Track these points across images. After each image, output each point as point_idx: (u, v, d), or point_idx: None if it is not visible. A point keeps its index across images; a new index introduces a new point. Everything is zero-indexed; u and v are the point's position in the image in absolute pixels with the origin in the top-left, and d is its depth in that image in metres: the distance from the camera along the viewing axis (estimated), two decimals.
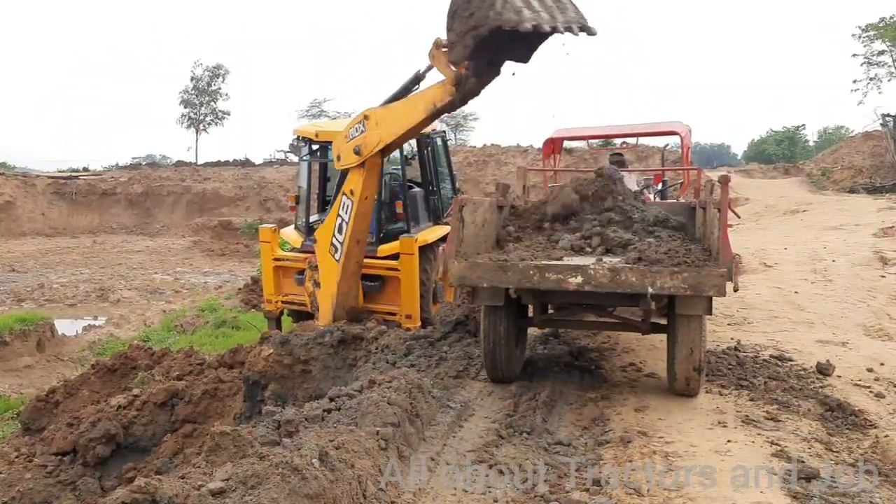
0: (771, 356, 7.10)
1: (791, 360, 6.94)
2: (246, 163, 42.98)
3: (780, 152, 56.31)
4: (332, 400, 5.00)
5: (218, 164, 42.93)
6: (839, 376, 6.51)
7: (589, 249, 6.21)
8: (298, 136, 10.10)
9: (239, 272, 23.44)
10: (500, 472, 4.49)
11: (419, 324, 9.14)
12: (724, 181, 5.59)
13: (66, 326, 13.07)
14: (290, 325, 9.42)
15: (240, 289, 15.58)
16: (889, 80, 39.79)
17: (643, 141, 10.62)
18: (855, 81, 40.92)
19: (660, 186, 10.15)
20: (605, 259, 5.71)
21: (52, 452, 7.65)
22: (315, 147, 10.10)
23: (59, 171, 37.91)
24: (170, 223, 33.59)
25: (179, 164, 44.33)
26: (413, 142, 10.01)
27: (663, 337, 7.28)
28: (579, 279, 5.28)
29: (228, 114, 55.76)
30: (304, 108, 55.88)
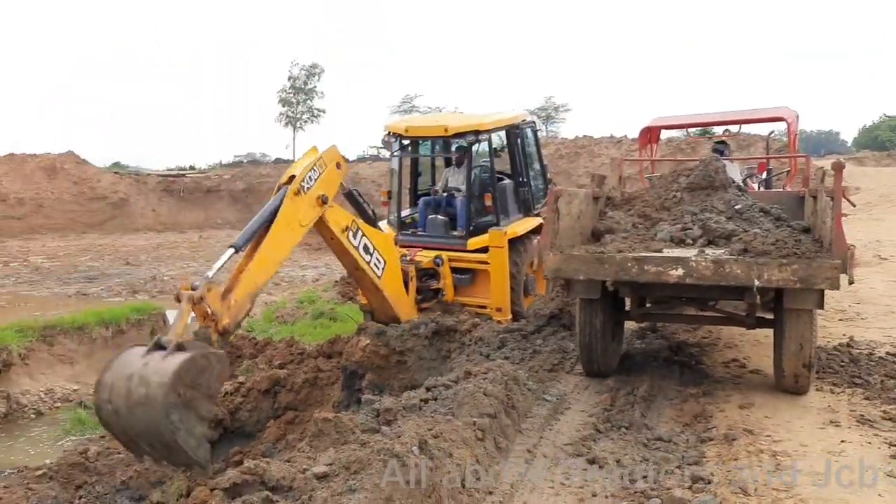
0: (888, 353, 6.68)
1: None
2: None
3: (895, 138, 52.83)
4: (428, 390, 5.06)
5: None
6: None
7: (690, 241, 6.01)
8: (389, 132, 10.25)
9: (335, 265, 23.99)
10: (599, 466, 4.43)
11: (510, 317, 9.12)
12: (838, 168, 5.29)
13: (174, 317, 13.75)
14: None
15: (336, 281, 15.97)
16: None
17: (746, 129, 10.18)
18: None
19: (764, 175, 9.72)
20: (708, 251, 5.51)
21: None
22: (405, 142, 10.21)
23: (168, 170, 40.02)
24: None
25: (278, 161, 45.93)
26: (502, 133, 9.99)
27: (769, 332, 7.00)
28: (680, 271, 5.12)
29: (324, 111, 57.36)
30: (396, 104, 56.84)
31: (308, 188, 6.65)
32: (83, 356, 10.91)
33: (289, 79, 55.42)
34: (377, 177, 37.20)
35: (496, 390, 4.74)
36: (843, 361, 6.37)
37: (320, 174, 6.88)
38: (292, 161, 45.65)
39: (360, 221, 7.77)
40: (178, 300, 5.34)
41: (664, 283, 5.27)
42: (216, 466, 7.86)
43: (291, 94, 55.56)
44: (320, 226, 7.24)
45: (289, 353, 9.03)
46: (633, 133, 37.80)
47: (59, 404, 9.87)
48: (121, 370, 4.97)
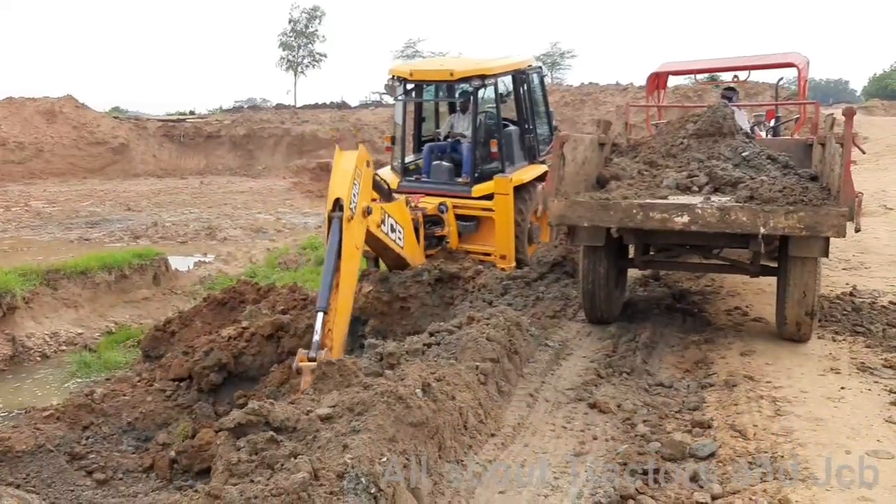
0: (890, 302, 6.69)
1: None
2: (342, 105, 43.59)
3: None
4: (431, 335, 5.09)
5: (315, 106, 43.74)
6: None
7: (696, 188, 5.96)
8: (393, 76, 10.05)
9: None
10: (600, 410, 4.47)
11: (514, 264, 9.10)
12: (849, 114, 5.20)
13: (179, 262, 13.79)
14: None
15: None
16: None
17: (754, 77, 9.89)
18: None
19: (772, 123, 9.58)
20: (714, 198, 5.46)
21: (170, 378, 8.13)
22: (410, 87, 10.01)
23: (168, 115, 39.61)
24: (271, 165, 34.57)
25: (279, 107, 45.43)
26: (508, 78, 9.81)
27: (772, 280, 6.99)
28: (685, 218, 5.09)
29: (325, 56, 56.48)
30: (399, 49, 55.92)
31: (354, 208, 6.37)
32: (87, 300, 10.96)
33: (289, 22, 54.49)
34: (379, 123, 36.88)
35: (499, 335, 4.75)
36: (845, 310, 6.38)
37: (360, 186, 6.56)
38: (293, 106, 45.19)
39: (385, 205, 7.61)
40: (299, 373, 5.34)
41: (669, 231, 5.24)
42: (222, 409, 8.00)
43: (292, 38, 54.66)
44: None
45: (292, 298, 9.03)
46: (640, 80, 37.16)
47: (63, 347, 9.95)
48: None
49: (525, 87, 9.86)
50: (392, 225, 7.73)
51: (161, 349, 8.84)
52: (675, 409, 4.53)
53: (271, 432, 3.40)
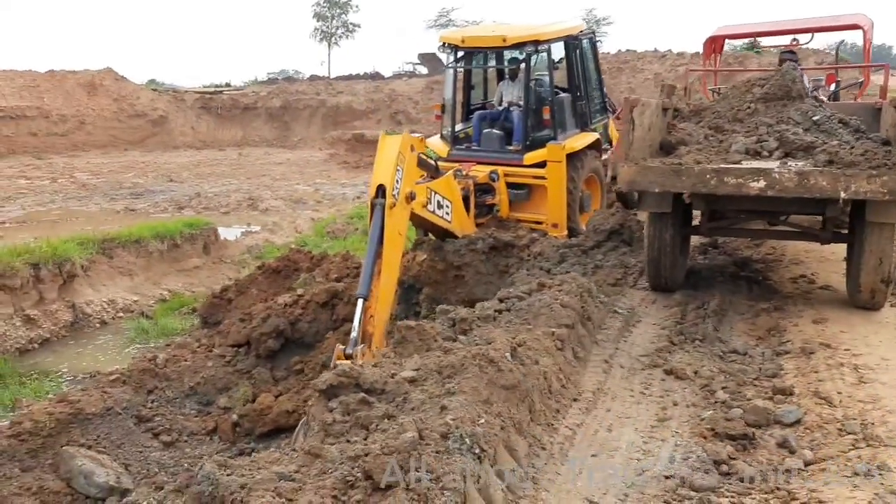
0: None
1: None
2: (376, 76, 43.37)
3: None
4: (501, 301, 5.08)
5: (349, 77, 43.57)
6: None
7: (766, 153, 5.82)
8: (444, 43, 9.92)
9: None
10: (677, 377, 4.45)
11: (566, 233, 9.02)
12: None
13: (225, 232, 13.96)
14: None
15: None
16: None
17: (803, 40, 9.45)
18: None
19: (832, 88, 9.31)
20: (790, 162, 5.34)
21: (229, 344, 8.28)
22: (460, 54, 9.88)
23: (204, 87, 39.84)
24: (306, 136, 34.67)
25: (313, 78, 45.36)
26: (560, 44, 9.64)
27: (836, 248, 6.86)
28: (762, 183, 4.98)
29: (359, 26, 56.19)
30: (432, 19, 55.35)
31: (397, 195, 6.27)
32: (141, 269, 11.15)
33: None
34: (413, 94, 36.70)
35: (572, 301, 4.73)
36: None
37: (403, 172, 6.44)
38: (327, 77, 45.08)
39: (430, 183, 7.50)
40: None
41: (743, 196, 5.14)
42: (279, 374, 8.12)
43: (326, 9, 54.39)
44: None
45: (344, 266, 9.10)
46: (679, 47, 36.32)
47: (121, 314, 10.16)
48: None
49: (577, 53, 9.69)
50: (439, 202, 7.67)
51: (218, 316, 8.99)
52: (752, 377, 4.48)
53: (362, 394, 3.44)
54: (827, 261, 7.12)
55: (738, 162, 5.50)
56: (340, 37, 55.48)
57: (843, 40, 9.37)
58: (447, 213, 7.81)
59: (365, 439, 3.23)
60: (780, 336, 5.14)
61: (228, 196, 20.45)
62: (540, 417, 3.47)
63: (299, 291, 8.75)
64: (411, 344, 4.11)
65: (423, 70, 41.75)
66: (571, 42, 9.60)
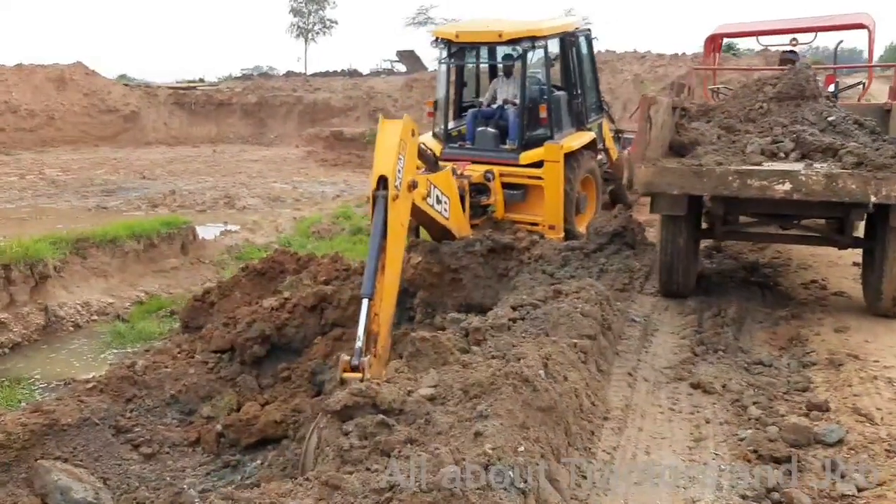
0: None
1: None
2: (353, 73, 42.86)
3: None
4: (514, 309, 4.78)
5: (327, 74, 43.00)
6: None
7: (782, 154, 5.60)
8: (437, 38, 9.60)
9: (353, 182, 23.61)
10: (704, 391, 4.19)
11: (563, 235, 8.77)
12: None
13: (203, 231, 13.48)
14: (425, 233, 9.24)
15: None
16: None
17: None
18: None
19: (831, 89, 9.15)
20: (816, 165, 5.11)
21: (212, 350, 7.89)
22: (454, 50, 9.55)
23: (178, 83, 39.00)
24: (283, 133, 34.09)
25: (290, 74, 44.68)
26: (555, 42, 9.38)
27: (841, 252, 6.68)
28: (787, 186, 4.75)
29: (336, 22, 55.54)
30: (411, 16, 54.89)
31: (399, 185, 5.94)
32: (116, 270, 10.67)
33: None
34: (392, 91, 36.27)
35: (593, 311, 4.45)
36: None
37: (405, 160, 6.10)
38: (304, 74, 44.49)
39: (431, 176, 7.19)
40: (343, 382, 4.88)
41: (766, 199, 4.90)
42: (265, 381, 7.76)
43: (303, 4, 53.69)
44: None
45: (333, 269, 8.72)
46: (658, 48, 36.30)
47: (95, 317, 9.68)
48: None
49: (574, 51, 9.44)
50: (438, 196, 7.37)
51: (200, 320, 8.57)
52: (782, 390, 4.24)
53: (381, 415, 3.12)
54: (835, 265, 6.95)
55: (760, 163, 5.27)
56: (317, 33, 54.84)
57: (842, 41, 9.23)
58: (445, 210, 7.49)
59: (386, 467, 2.91)
60: (802, 346, 4.92)
61: (204, 194, 19.92)
62: (576, 441, 3.18)
63: (286, 294, 8.36)
64: (426, 357, 3.80)
65: (402, 68, 41.36)
66: (568, 39, 9.34)
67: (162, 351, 8.07)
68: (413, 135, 6.43)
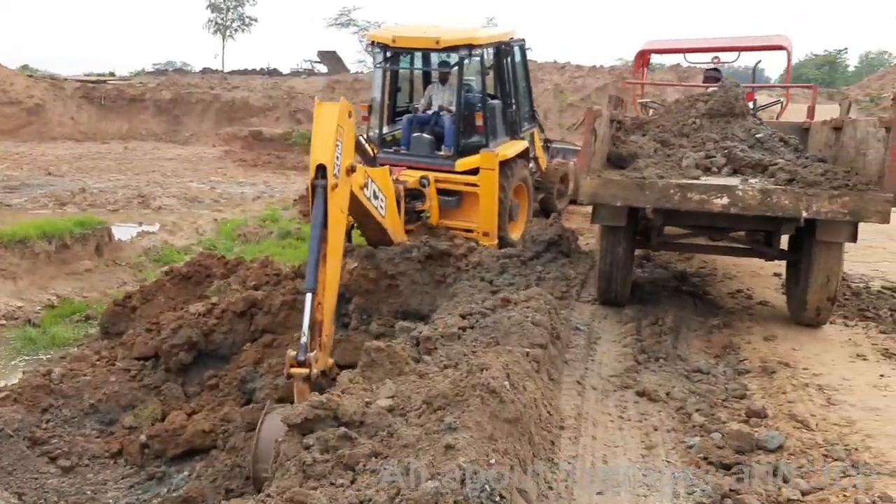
0: (884, 287, 6.81)
1: None
2: (273, 72, 42.00)
3: (820, 77, 54.27)
4: (464, 318, 4.77)
5: (245, 72, 41.96)
6: None
7: (714, 169, 5.83)
8: (373, 42, 9.51)
9: (273, 183, 23.11)
10: (650, 399, 4.29)
11: (496, 242, 8.85)
12: None
13: (118, 232, 12.87)
14: (359, 239, 9.13)
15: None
16: None
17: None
18: None
19: (751, 105, 9.60)
20: (752, 180, 5.33)
21: (134, 357, 7.55)
22: (389, 54, 9.48)
23: (86, 76, 37.18)
24: (199, 132, 33.01)
25: (206, 71, 43.39)
26: (490, 50, 9.46)
27: (763, 263, 7.00)
28: (725, 200, 4.94)
29: (256, 20, 54.34)
30: (333, 17, 54.30)
31: (338, 173, 5.77)
32: (25, 271, 10.05)
33: None
34: (313, 92, 35.69)
35: (544, 320, 4.49)
36: (846, 294, 6.44)
37: (343, 145, 5.93)
38: (221, 71, 43.27)
39: (369, 169, 7.07)
40: (290, 378, 4.75)
41: (704, 212, 5.08)
42: (191, 390, 7.47)
43: (221, 0, 52.27)
44: None
45: (264, 273, 8.49)
46: (576, 59, 37.22)
47: (3, 322, 9.08)
48: None
49: (509, 60, 9.54)
50: (375, 191, 7.24)
51: (121, 326, 8.17)
52: (721, 398, 4.39)
53: (343, 428, 3.04)
54: (758, 275, 7.28)
55: (697, 177, 5.46)
56: (236, 30, 53.50)
57: (760, 60, 9.72)
58: (382, 207, 7.36)
59: (352, 482, 2.83)
60: (736, 354, 5.11)
61: (116, 192, 19.03)
62: (540, 451, 3.19)
63: (213, 300, 8.09)
64: (381, 367, 3.73)
65: (323, 69, 40.80)
66: (504, 48, 9.43)
67: (79, 358, 7.65)
68: (350, 116, 6.25)
